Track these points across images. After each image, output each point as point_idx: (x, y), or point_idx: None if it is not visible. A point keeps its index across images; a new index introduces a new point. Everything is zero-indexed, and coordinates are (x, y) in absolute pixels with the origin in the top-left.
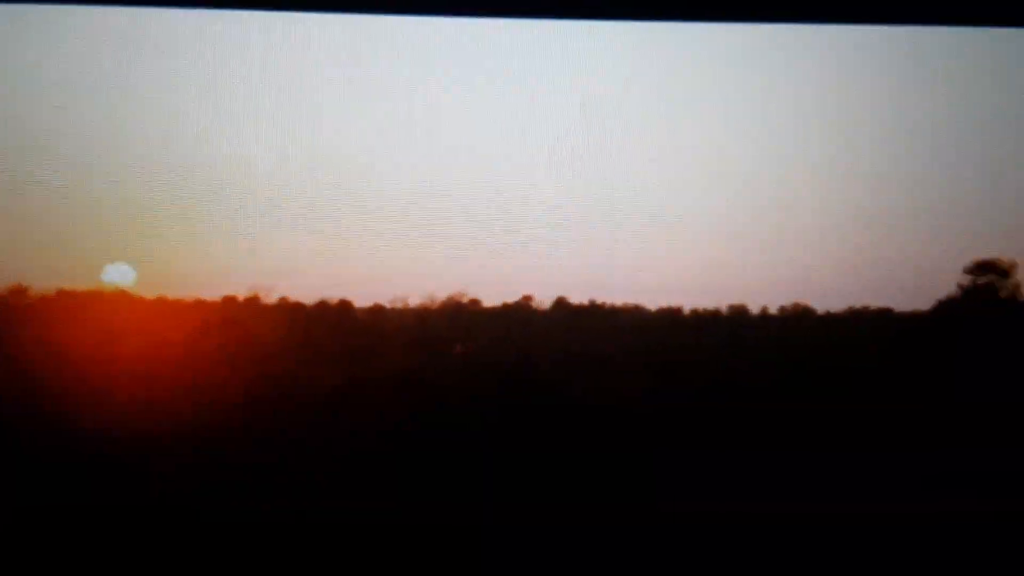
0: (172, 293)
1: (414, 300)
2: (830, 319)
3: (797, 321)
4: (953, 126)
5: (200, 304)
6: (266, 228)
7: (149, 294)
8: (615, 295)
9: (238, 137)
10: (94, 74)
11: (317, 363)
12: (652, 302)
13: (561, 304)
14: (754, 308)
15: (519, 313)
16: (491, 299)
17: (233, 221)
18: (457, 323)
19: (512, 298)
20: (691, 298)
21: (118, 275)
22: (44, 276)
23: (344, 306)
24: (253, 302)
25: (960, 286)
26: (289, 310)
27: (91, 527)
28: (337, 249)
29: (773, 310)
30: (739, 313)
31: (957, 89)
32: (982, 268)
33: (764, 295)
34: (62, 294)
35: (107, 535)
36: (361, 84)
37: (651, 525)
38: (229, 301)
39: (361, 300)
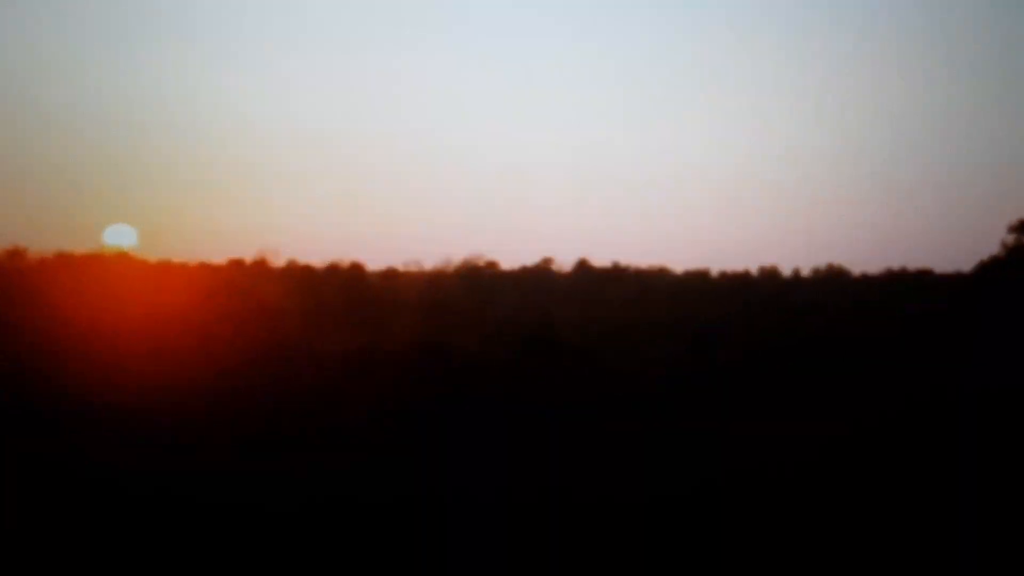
0: (176, 256)
1: (429, 263)
2: (866, 281)
3: (831, 282)
4: (1000, 82)
5: (205, 267)
6: (274, 189)
7: (152, 257)
8: (640, 257)
9: (246, 95)
10: (95, 31)
11: (327, 329)
12: (678, 264)
13: (583, 266)
14: (786, 270)
15: (539, 276)
16: (510, 261)
17: (240, 181)
18: (474, 287)
19: (532, 260)
20: (719, 260)
21: (120, 237)
22: (42, 237)
23: (356, 269)
24: (261, 265)
25: (1004, 245)
26: (298, 273)
27: (90, 498)
28: (349, 210)
29: (806, 272)
30: (770, 275)
31: (1003, 45)
32: None
33: (796, 256)
34: (61, 256)
35: (107, 507)
36: (375, 42)
37: (676, 498)
38: (236, 264)
39: (374, 263)
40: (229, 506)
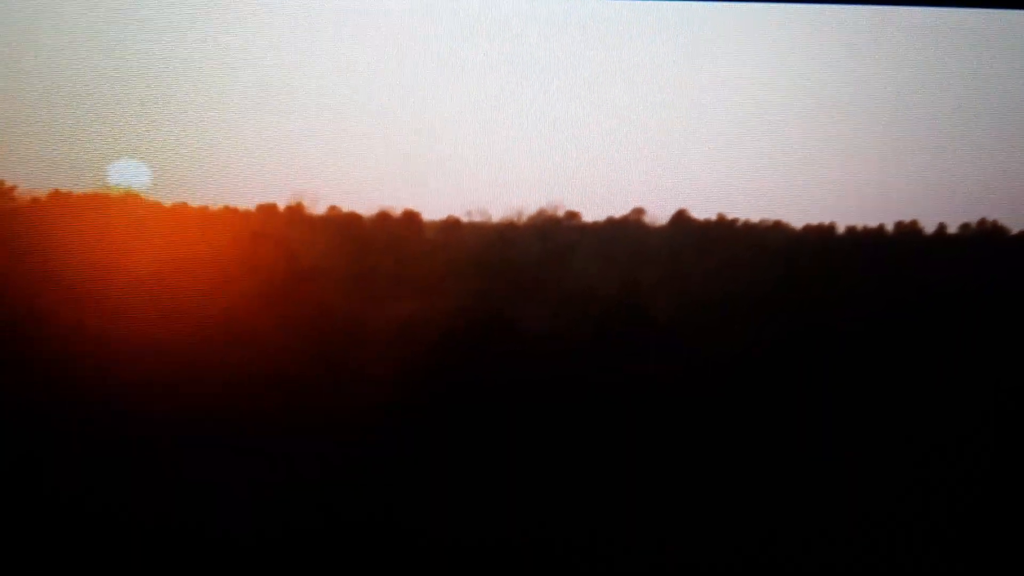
0: (195, 199)
1: (497, 213)
2: None
3: (984, 243)
4: None
5: (230, 213)
6: (315, 120)
7: (167, 199)
8: (749, 209)
9: (283, 10)
10: None
11: (374, 291)
12: (797, 218)
13: (681, 219)
14: (929, 226)
15: (628, 230)
16: (593, 212)
17: (273, 112)
18: (550, 242)
19: (620, 211)
20: (847, 214)
21: (128, 175)
22: (36, 174)
23: (410, 219)
24: (296, 212)
25: None
26: (341, 223)
27: (88, 479)
28: (403, 148)
29: (953, 228)
30: (909, 232)
31: None
32: None
33: (941, 210)
34: (57, 196)
35: (107, 488)
36: None
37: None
38: (266, 211)
39: (431, 212)
40: (243, 493)
